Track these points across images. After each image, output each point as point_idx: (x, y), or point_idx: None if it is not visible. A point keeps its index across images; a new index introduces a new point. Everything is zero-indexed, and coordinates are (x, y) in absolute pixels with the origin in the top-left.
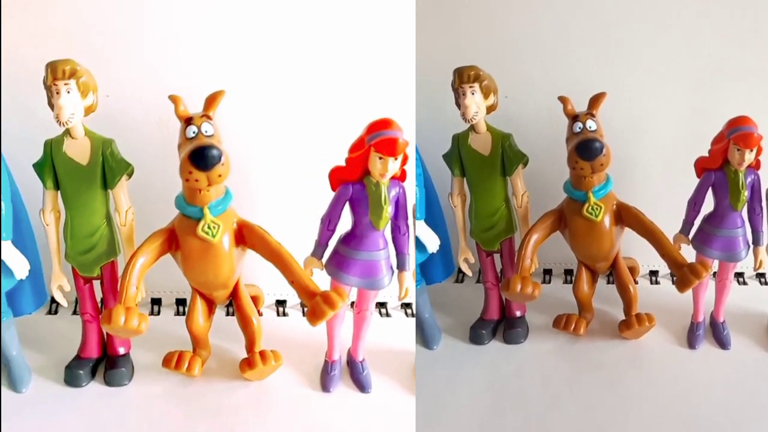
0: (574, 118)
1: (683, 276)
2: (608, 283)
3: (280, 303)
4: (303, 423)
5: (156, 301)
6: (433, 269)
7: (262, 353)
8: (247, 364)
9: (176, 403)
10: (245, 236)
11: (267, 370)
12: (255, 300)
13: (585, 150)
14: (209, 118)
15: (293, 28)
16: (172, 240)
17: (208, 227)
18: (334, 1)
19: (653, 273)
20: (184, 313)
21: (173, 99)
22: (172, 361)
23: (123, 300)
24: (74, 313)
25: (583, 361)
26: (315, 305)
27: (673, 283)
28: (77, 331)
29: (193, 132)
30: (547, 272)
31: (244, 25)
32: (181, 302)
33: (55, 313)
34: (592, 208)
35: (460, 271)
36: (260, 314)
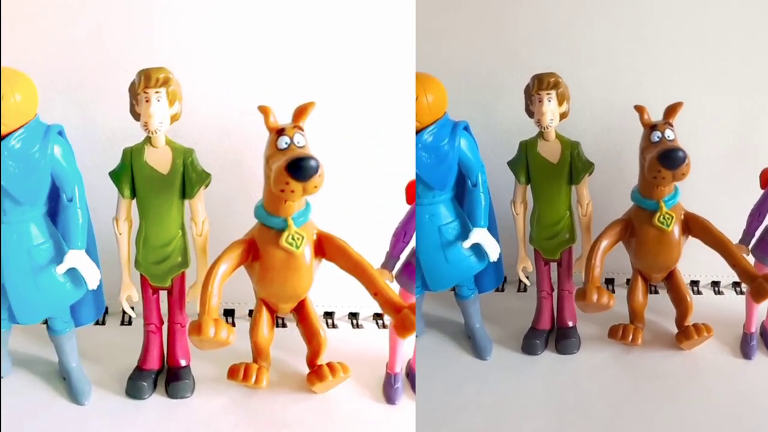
0: (651, 127)
1: (759, 287)
2: (650, 292)
3: (329, 315)
4: None
5: None
6: (485, 278)
7: (330, 365)
8: (316, 376)
9: (243, 415)
10: (324, 248)
11: (334, 383)
12: None
13: (668, 159)
14: (301, 129)
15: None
16: (250, 250)
17: (292, 238)
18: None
19: (694, 283)
20: (233, 324)
21: (263, 110)
22: (239, 373)
23: (207, 311)
24: (122, 323)
25: (640, 371)
26: (404, 318)
27: (716, 293)
28: (127, 341)
29: (286, 143)
30: None
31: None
32: (229, 313)
33: (103, 323)
34: (664, 218)
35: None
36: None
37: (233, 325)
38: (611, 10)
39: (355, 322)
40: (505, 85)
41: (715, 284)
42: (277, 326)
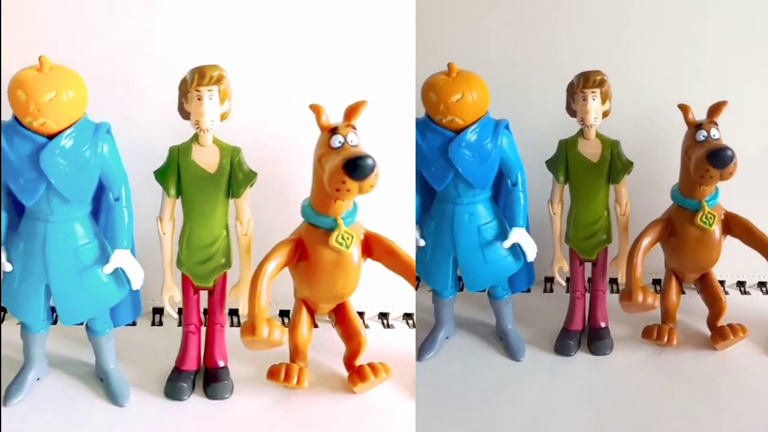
0: (697, 126)
1: None
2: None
3: (359, 315)
4: None
5: (234, 312)
6: (518, 278)
7: (371, 366)
8: (358, 376)
9: (284, 416)
10: (372, 247)
11: (376, 383)
12: None
13: (717, 158)
14: (354, 127)
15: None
16: (297, 250)
17: (342, 238)
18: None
19: (720, 283)
20: None
21: (315, 109)
22: (280, 374)
23: (257, 312)
24: (152, 324)
25: (675, 372)
26: None
27: (743, 293)
28: (159, 342)
29: (339, 142)
30: (613, 281)
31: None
32: None
33: (134, 324)
34: (706, 217)
35: None
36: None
37: None
38: (641, 7)
39: (385, 322)
40: (537, 85)
41: (741, 284)
42: None
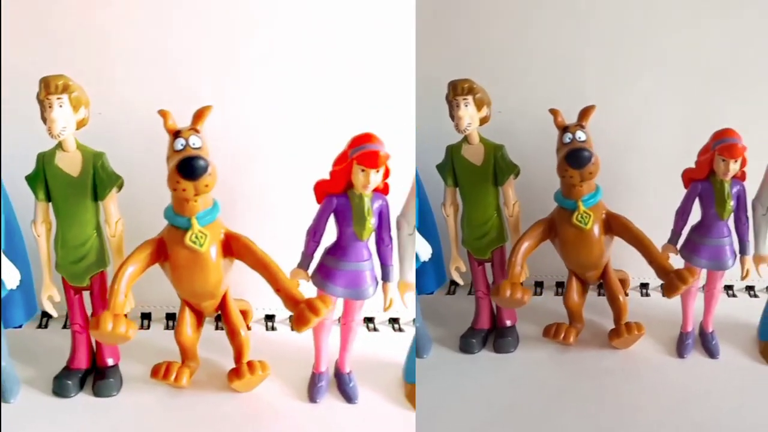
0: (564, 129)
1: (670, 282)
2: (599, 294)
3: (269, 317)
4: None
5: (146, 316)
6: (425, 279)
7: (249, 363)
8: (235, 374)
9: (166, 413)
10: (232, 247)
11: (254, 381)
12: (244, 314)
13: (574, 159)
14: (197, 131)
15: (286, 39)
16: (160, 250)
17: (196, 237)
18: (334, 12)
19: (644, 285)
20: (173, 328)
21: (162, 113)
22: (160, 372)
23: (111, 307)
24: (64, 326)
25: (575, 370)
26: (300, 312)
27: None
28: (67, 344)
29: (181, 144)
30: (539, 284)
31: (238, 38)
32: (171, 317)
33: (46, 326)
34: (582, 217)
35: (452, 283)
36: (249, 328)
37: (173, 328)
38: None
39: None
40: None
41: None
42: (216, 329)
